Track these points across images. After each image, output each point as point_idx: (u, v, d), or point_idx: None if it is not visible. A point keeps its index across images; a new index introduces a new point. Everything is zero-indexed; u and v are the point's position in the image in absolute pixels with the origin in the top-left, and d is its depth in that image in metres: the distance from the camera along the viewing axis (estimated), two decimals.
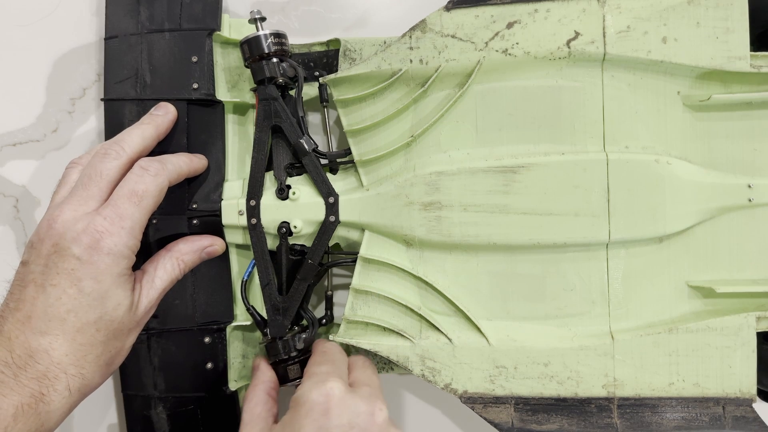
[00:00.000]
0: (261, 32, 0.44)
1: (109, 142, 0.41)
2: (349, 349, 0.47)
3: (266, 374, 0.43)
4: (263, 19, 0.45)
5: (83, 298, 0.36)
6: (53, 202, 0.40)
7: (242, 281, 0.46)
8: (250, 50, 0.44)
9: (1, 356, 0.35)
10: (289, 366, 0.44)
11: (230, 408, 0.47)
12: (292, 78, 0.45)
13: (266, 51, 0.43)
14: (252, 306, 0.46)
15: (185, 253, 0.43)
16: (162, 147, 0.44)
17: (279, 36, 0.44)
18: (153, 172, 0.40)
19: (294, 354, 0.44)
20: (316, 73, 0.47)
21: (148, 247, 0.45)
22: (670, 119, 0.44)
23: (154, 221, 0.45)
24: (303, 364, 0.45)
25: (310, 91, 0.48)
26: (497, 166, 0.43)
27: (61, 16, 0.52)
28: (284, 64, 0.44)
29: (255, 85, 0.45)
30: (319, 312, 0.52)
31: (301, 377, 0.44)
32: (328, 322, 0.48)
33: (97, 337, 0.37)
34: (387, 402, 0.51)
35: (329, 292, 0.49)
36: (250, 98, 0.48)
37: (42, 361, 0.35)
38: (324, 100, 0.48)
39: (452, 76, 0.44)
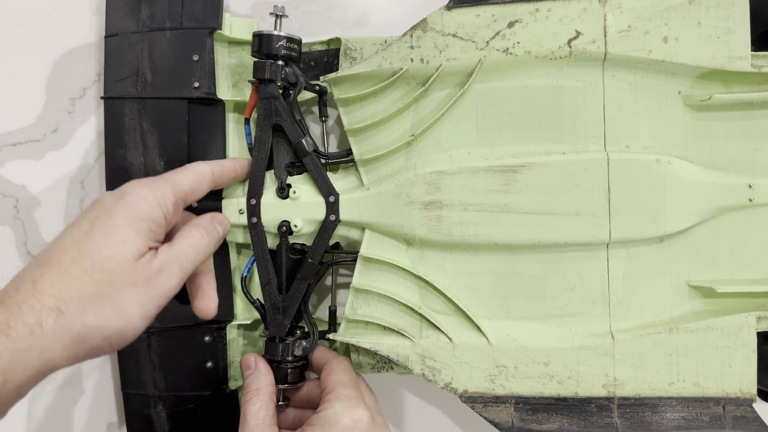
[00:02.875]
0: (275, 32, 0.43)
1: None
2: (348, 349, 0.47)
3: (267, 377, 0.42)
4: (283, 16, 0.45)
5: (92, 231, 0.34)
6: None
7: (242, 277, 0.46)
8: (260, 45, 0.43)
9: None
10: (291, 370, 0.44)
11: (230, 407, 0.47)
12: (292, 83, 0.45)
13: (274, 52, 0.43)
14: (258, 299, 0.46)
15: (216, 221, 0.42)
16: (163, 144, 0.44)
17: (292, 41, 0.44)
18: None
19: (290, 359, 0.44)
20: (317, 87, 0.47)
21: None
22: (671, 119, 0.44)
23: None
24: (303, 368, 0.45)
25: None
26: (498, 166, 0.43)
27: (61, 16, 0.52)
28: (288, 69, 0.44)
29: (254, 78, 0.45)
30: (319, 312, 0.52)
31: (299, 381, 0.44)
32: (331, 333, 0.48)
33: (90, 273, 0.33)
34: (387, 402, 0.52)
35: (332, 307, 0.49)
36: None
37: (24, 291, 0.32)
38: (324, 115, 0.48)
39: (453, 75, 0.44)
